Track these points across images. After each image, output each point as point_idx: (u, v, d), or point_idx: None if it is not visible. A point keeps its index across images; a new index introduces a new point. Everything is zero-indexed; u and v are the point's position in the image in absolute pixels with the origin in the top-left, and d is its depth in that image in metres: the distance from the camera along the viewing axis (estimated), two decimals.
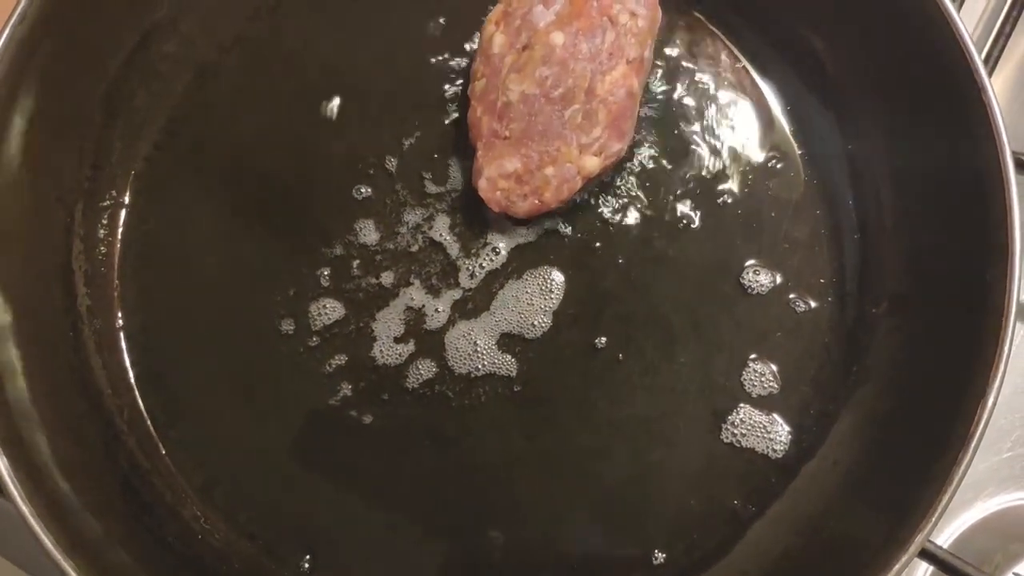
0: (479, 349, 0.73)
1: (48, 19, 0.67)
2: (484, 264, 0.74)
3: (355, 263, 0.74)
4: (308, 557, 0.70)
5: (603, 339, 0.73)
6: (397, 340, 0.73)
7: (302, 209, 0.75)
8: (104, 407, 0.71)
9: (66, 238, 0.73)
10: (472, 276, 0.74)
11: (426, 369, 0.73)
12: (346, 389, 0.72)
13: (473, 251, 0.75)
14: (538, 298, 0.74)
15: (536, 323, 0.73)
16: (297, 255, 0.75)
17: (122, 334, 0.74)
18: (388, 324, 0.73)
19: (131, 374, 0.73)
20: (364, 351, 0.73)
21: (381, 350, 0.73)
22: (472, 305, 0.74)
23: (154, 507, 0.70)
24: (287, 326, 0.73)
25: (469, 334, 0.73)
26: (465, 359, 0.73)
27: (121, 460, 0.70)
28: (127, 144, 0.76)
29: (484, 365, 0.73)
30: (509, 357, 0.73)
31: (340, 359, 0.73)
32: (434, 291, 0.74)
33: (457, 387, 0.72)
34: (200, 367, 0.73)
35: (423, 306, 0.74)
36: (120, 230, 0.75)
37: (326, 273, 0.74)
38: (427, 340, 0.73)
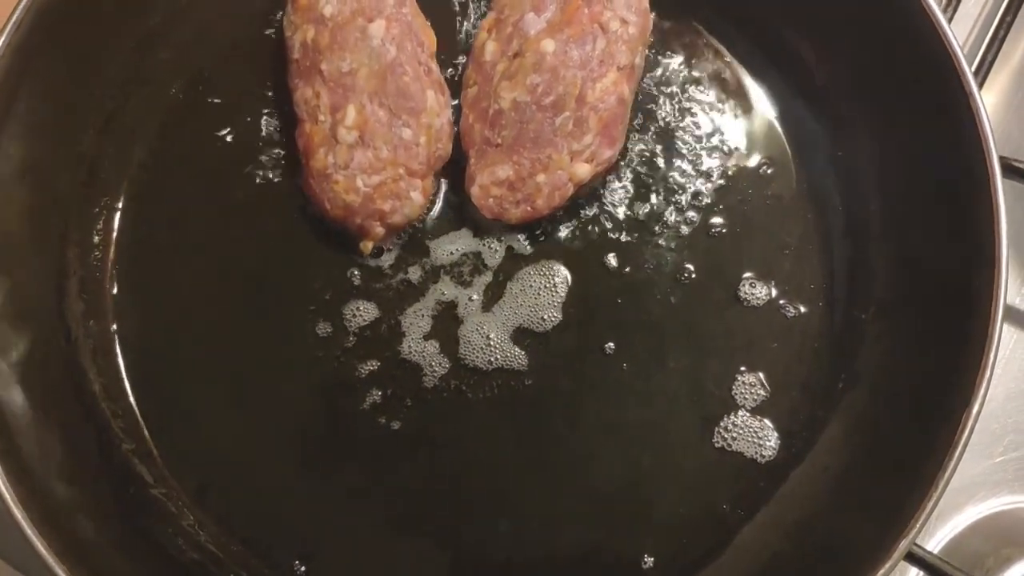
0: (492, 343, 0.73)
1: (44, 26, 0.68)
2: (489, 262, 0.75)
3: (354, 278, 0.75)
4: (300, 561, 0.71)
5: (611, 345, 0.73)
6: (426, 336, 0.73)
7: (298, 212, 0.76)
8: (98, 411, 0.72)
9: (61, 243, 0.73)
10: (495, 253, 0.75)
11: (440, 365, 0.73)
12: (359, 394, 0.73)
13: (474, 247, 0.75)
14: (545, 293, 0.74)
15: (546, 317, 0.74)
16: (291, 260, 0.75)
17: (117, 338, 0.74)
18: (416, 322, 0.74)
19: (125, 378, 0.73)
20: (393, 348, 0.73)
21: (410, 345, 0.73)
22: (502, 278, 0.74)
23: (148, 511, 0.70)
24: (280, 334, 0.74)
25: (481, 327, 0.73)
26: (478, 352, 0.73)
27: (115, 464, 0.71)
28: (122, 150, 0.76)
29: (497, 358, 0.73)
30: (520, 351, 0.73)
31: (365, 362, 0.73)
32: (464, 283, 0.74)
33: (471, 380, 0.73)
34: (194, 372, 0.73)
35: (455, 298, 0.74)
36: (115, 235, 0.76)
37: (326, 283, 0.75)
38: (446, 334, 0.73)
